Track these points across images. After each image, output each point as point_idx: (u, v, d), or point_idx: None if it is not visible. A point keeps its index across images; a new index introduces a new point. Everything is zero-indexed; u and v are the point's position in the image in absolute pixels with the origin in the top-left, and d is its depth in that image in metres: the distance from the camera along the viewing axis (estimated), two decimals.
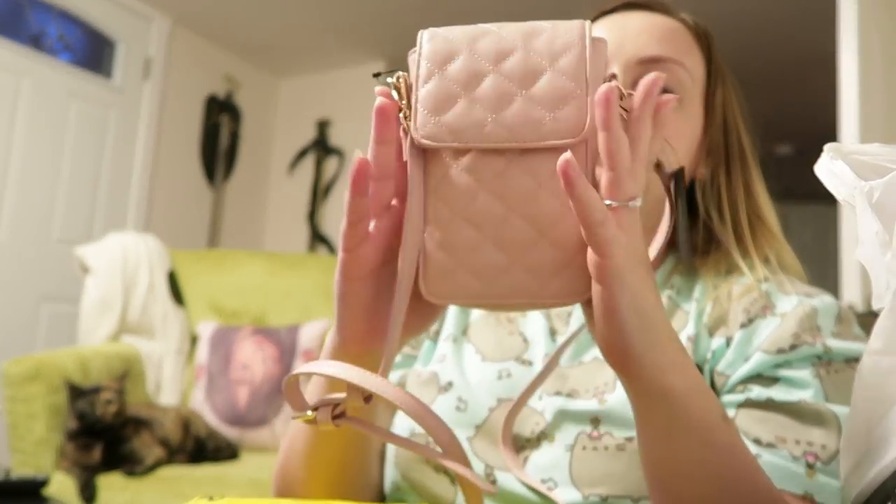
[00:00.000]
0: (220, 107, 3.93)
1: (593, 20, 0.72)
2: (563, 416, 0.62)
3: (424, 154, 0.44)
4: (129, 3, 3.39)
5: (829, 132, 1.94)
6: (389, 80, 0.44)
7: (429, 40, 0.44)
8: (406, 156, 0.44)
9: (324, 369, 0.42)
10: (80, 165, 3.21)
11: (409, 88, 0.44)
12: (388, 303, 0.46)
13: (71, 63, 3.23)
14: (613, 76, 0.45)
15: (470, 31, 0.44)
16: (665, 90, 0.66)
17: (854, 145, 0.39)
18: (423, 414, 0.41)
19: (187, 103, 3.76)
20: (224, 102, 3.95)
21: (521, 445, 0.63)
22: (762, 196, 0.72)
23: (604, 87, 0.39)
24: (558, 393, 0.65)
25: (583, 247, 0.41)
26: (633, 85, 0.66)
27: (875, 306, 0.42)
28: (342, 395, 0.42)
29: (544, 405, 0.64)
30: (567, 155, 0.38)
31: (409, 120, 0.44)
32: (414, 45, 0.45)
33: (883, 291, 0.40)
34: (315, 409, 0.43)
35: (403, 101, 0.44)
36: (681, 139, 0.68)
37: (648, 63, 0.66)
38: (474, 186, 0.42)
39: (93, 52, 3.36)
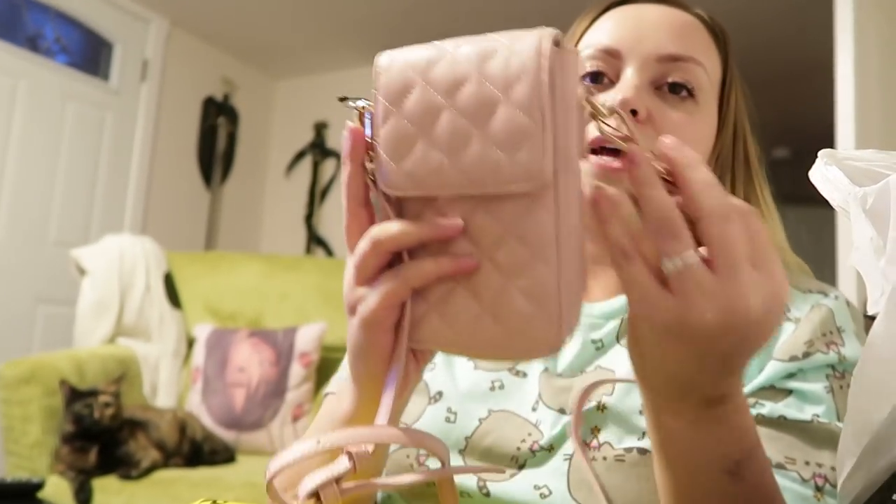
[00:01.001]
0: (218, 109, 3.93)
1: (604, 10, 0.68)
2: (563, 430, 0.60)
3: (396, 199, 0.42)
4: (127, 5, 3.39)
5: (827, 135, 1.94)
6: (351, 104, 0.43)
7: (385, 69, 0.41)
8: (374, 199, 0.43)
9: (327, 442, 0.39)
10: (77, 167, 3.21)
11: (374, 120, 0.42)
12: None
13: (68, 65, 3.22)
14: (589, 92, 0.40)
15: (425, 56, 0.40)
16: (685, 87, 0.63)
17: (848, 151, 0.39)
18: (427, 443, 0.42)
19: (184, 105, 3.75)
20: (221, 104, 3.95)
21: (512, 456, 0.61)
22: (764, 207, 0.69)
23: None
24: (561, 410, 0.62)
25: (553, 298, 0.38)
26: (652, 84, 0.63)
27: (870, 311, 0.42)
28: (341, 465, 0.39)
29: (539, 417, 0.62)
30: (601, 190, 0.37)
31: (374, 163, 0.42)
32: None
33: (878, 297, 0.40)
34: (315, 495, 0.39)
35: (369, 138, 0.42)
36: (697, 144, 0.64)
37: (668, 61, 0.63)
38: None
39: (90, 54, 3.35)
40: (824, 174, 0.40)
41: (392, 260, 0.43)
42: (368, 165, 0.43)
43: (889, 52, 2.01)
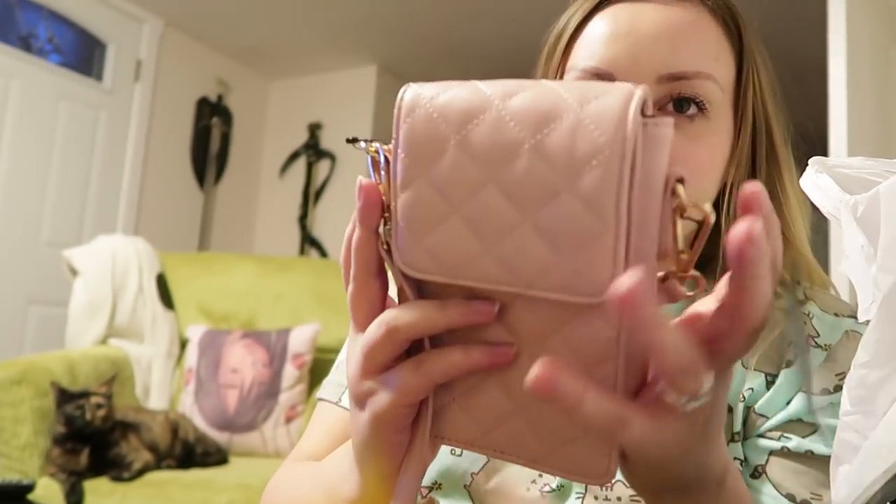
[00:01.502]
0: (212, 109, 3.92)
1: (592, 10, 0.59)
2: None
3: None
4: (121, 5, 3.38)
5: (820, 141, 1.94)
6: (363, 146, 0.35)
7: (409, 113, 0.32)
8: (388, 267, 0.36)
9: None
10: (70, 168, 3.19)
11: (389, 170, 0.34)
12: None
13: (61, 64, 3.21)
14: (678, 179, 0.30)
15: (462, 104, 0.31)
16: (693, 102, 0.55)
17: (838, 159, 0.39)
18: None
19: (178, 106, 3.74)
20: (215, 105, 3.94)
21: (521, 496, 0.56)
22: (788, 206, 0.60)
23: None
24: None
25: None
26: (654, 106, 0.53)
27: (861, 319, 0.42)
28: None
29: None
30: (541, 371, 0.28)
31: (389, 226, 0.34)
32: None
33: (869, 304, 0.40)
34: None
35: (383, 199, 0.34)
36: (710, 166, 0.57)
37: (670, 80, 0.54)
38: None
39: (83, 54, 3.34)
40: (815, 182, 0.40)
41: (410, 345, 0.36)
42: (381, 228, 0.35)
43: (881, 56, 2.02)
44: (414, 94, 0.33)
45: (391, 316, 0.34)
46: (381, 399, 0.35)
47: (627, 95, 0.28)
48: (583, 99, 0.29)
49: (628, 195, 0.28)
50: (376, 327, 0.35)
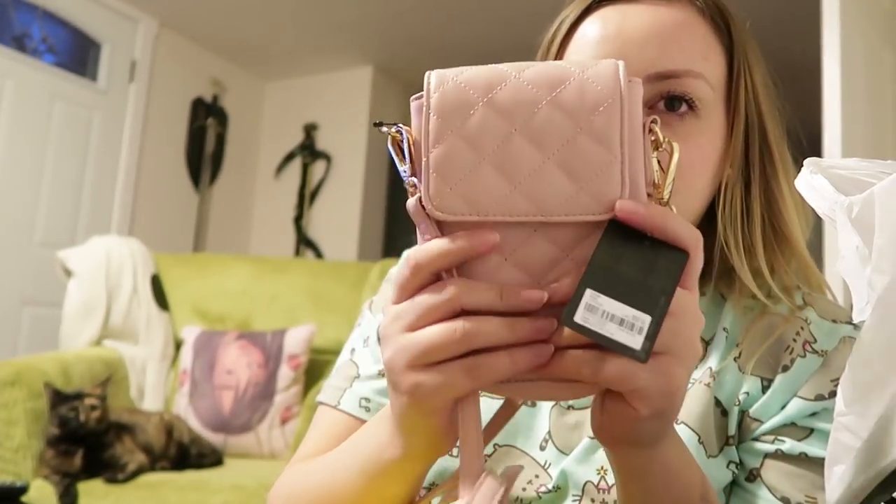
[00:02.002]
0: (207, 110, 3.91)
1: (583, 13, 0.60)
2: (570, 470, 0.57)
3: (437, 222, 0.40)
4: (115, 5, 3.37)
5: (814, 142, 1.95)
6: (386, 129, 0.40)
7: (437, 87, 0.39)
8: (414, 217, 0.40)
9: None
10: (64, 168, 3.19)
11: (414, 146, 0.40)
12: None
13: (55, 65, 3.20)
14: (654, 121, 0.39)
15: (484, 77, 0.39)
16: (683, 100, 0.55)
17: (833, 160, 0.39)
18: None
19: (173, 106, 3.74)
20: (210, 105, 3.93)
21: (517, 497, 0.57)
22: (784, 205, 0.60)
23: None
24: (560, 452, 0.58)
25: None
26: (645, 105, 0.53)
27: (856, 319, 0.42)
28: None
29: (547, 457, 0.58)
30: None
31: (419, 179, 0.40)
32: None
33: (864, 305, 0.40)
34: None
35: (404, 166, 0.40)
36: (705, 163, 0.57)
37: (659, 80, 0.55)
38: (497, 258, 0.39)
39: (77, 54, 3.33)
40: (810, 183, 0.40)
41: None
42: (410, 180, 0.41)
43: (875, 58, 2.03)
44: (439, 74, 0.40)
45: (414, 254, 0.40)
46: (427, 390, 0.39)
47: (615, 63, 0.39)
48: (582, 67, 0.39)
49: (627, 132, 0.38)
50: (404, 264, 0.40)
